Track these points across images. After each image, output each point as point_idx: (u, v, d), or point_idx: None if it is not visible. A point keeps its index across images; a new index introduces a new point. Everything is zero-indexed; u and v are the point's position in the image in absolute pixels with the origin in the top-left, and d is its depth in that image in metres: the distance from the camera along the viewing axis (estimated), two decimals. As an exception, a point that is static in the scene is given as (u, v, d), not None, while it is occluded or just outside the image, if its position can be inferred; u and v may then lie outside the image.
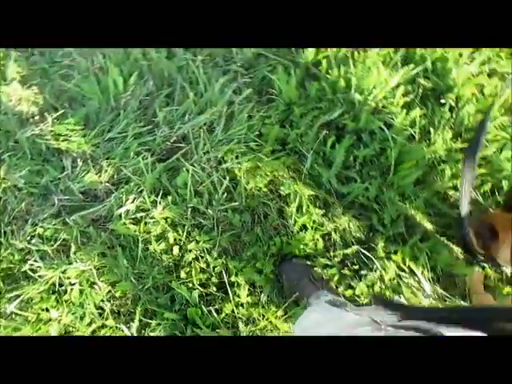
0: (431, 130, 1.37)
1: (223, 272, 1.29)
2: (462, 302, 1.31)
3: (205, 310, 1.24)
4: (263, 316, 1.24)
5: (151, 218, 1.33)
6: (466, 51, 1.38)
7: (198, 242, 1.33)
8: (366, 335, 0.72)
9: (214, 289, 1.29)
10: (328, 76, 1.39)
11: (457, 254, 1.33)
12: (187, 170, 1.35)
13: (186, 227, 1.34)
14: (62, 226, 1.36)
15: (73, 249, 1.31)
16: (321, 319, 0.97)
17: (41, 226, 1.33)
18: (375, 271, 1.31)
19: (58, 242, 1.34)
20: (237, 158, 1.36)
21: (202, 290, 1.26)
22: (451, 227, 1.35)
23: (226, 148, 1.37)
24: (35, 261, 1.28)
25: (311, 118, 1.36)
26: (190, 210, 1.35)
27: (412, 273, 1.32)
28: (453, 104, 1.37)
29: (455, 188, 1.35)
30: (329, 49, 1.39)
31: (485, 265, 1.26)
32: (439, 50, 1.36)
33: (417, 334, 0.59)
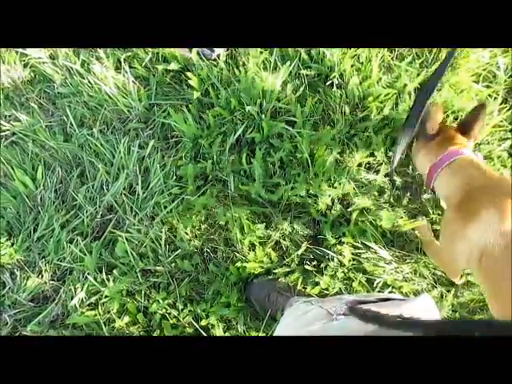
0: (330, 112, 1.49)
1: (193, 320, 1.34)
2: (420, 255, 1.42)
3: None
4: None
5: (105, 297, 1.37)
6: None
7: (159, 301, 1.37)
8: (320, 334, 0.78)
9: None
10: (219, 100, 1.49)
11: (398, 212, 1.44)
12: (124, 238, 1.40)
13: (142, 292, 1.38)
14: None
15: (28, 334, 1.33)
16: (290, 321, 1.02)
17: None
18: (332, 260, 1.40)
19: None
20: (165, 207, 1.43)
21: (177, 345, 1.30)
22: (383, 192, 1.46)
23: (152, 202, 1.43)
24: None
25: (219, 143, 1.45)
26: (140, 274, 1.40)
27: (366, 247, 1.42)
28: (339, 82, 1.50)
29: (372, 154, 1.47)
30: (211, 76, 1.50)
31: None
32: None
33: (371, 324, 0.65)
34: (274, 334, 1.14)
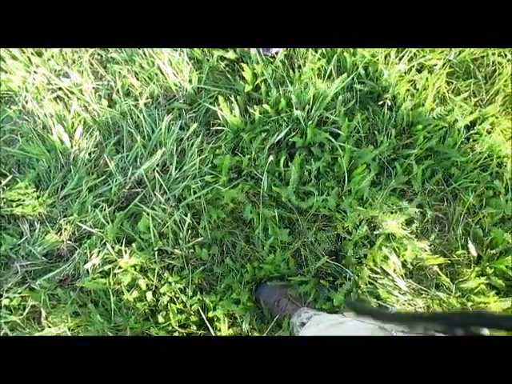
0: (375, 131, 1.50)
1: (200, 309, 1.35)
2: (437, 292, 1.42)
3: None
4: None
5: (119, 268, 1.39)
6: (393, 51, 1.52)
7: (170, 283, 1.39)
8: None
9: (194, 328, 1.35)
10: (269, 98, 1.50)
11: (423, 246, 1.45)
12: (148, 214, 1.42)
13: (156, 271, 1.40)
14: (28, 292, 1.40)
15: (43, 314, 1.36)
16: (323, 328, 1.02)
17: (6, 297, 1.37)
18: (349, 279, 1.41)
19: (27, 310, 1.38)
20: (195, 193, 1.45)
21: (181, 330, 1.32)
22: (413, 222, 1.47)
23: (183, 185, 1.45)
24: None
25: (260, 141, 1.46)
26: (157, 253, 1.42)
27: (385, 273, 1.42)
28: (390, 103, 1.50)
29: (408, 182, 1.48)
30: (265, 72, 1.51)
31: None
32: (368, 56, 1.50)
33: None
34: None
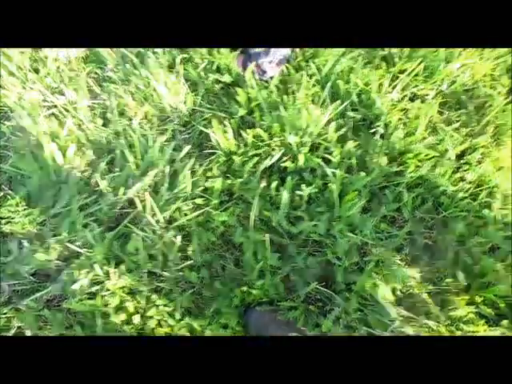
0: (367, 159, 1.51)
1: (188, 334, 1.35)
2: (426, 321, 1.42)
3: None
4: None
5: (107, 290, 1.39)
6: (386, 80, 1.55)
7: (158, 306, 1.38)
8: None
9: (181, 352, 1.34)
10: (262, 122, 1.52)
11: (412, 273, 1.45)
12: (137, 235, 1.42)
13: (144, 293, 1.40)
14: (14, 313, 1.39)
15: (29, 335, 1.34)
16: None
17: (-8, 318, 1.36)
18: (338, 306, 1.41)
19: (13, 331, 1.36)
20: (186, 215, 1.45)
21: (168, 355, 1.31)
22: (402, 249, 1.48)
23: (174, 207, 1.45)
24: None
25: (252, 165, 1.47)
26: (145, 275, 1.41)
27: (374, 300, 1.43)
28: (383, 131, 1.52)
29: (398, 209, 1.49)
30: (260, 96, 1.53)
31: None
32: (361, 84, 1.52)
33: None
34: None
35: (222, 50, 1.56)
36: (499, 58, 1.57)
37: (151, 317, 1.37)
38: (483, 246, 1.44)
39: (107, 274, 1.39)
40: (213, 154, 1.51)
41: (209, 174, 1.49)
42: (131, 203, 1.50)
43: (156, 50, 1.57)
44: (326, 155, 1.48)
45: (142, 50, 1.58)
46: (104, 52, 1.60)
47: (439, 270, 1.47)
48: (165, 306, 1.38)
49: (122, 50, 1.58)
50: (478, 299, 1.39)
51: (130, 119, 1.57)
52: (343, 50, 1.57)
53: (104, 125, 1.58)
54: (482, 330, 1.39)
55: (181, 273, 1.41)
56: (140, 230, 1.43)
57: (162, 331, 1.35)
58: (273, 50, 1.55)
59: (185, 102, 1.56)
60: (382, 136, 1.52)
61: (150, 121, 1.58)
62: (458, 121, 1.55)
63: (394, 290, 1.43)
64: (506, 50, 1.58)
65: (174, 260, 1.42)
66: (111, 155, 1.55)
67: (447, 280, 1.44)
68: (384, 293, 1.41)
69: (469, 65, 1.55)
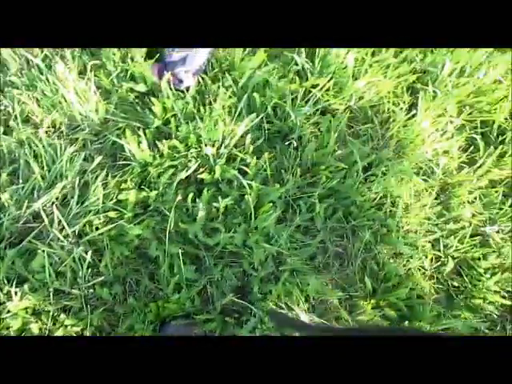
0: (282, 170, 1.56)
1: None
2: (337, 325, 1.50)
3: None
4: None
5: (8, 311, 1.29)
6: (300, 94, 1.61)
7: (66, 326, 1.32)
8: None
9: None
10: (178, 133, 1.51)
11: (324, 280, 1.52)
12: (43, 251, 1.34)
13: (50, 313, 1.32)
14: None
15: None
16: None
17: None
18: (254, 316, 1.44)
19: None
20: (97, 229, 1.40)
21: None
22: (315, 257, 1.55)
23: (84, 221, 1.39)
24: None
25: (168, 176, 1.46)
26: (52, 293, 1.33)
27: (289, 308, 1.47)
28: (296, 144, 1.58)
29: (311, 219, 1.56)
30: (176, 107, 1.51)
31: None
32: (275, 98, 1.57)
33: None
34: None
35: (137, 57, 1.53)
36: (400, 76, 1.70)
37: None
38: (387, 253, 1.54)
39: (8, 294, 1.30)
40: (127, 165, 1.47)
41: (123, 185, 1.45)
42: (37, 217, 1.41)
43: (65, 54, 1.50)
44: (243, 167, 1.50)
45: (48, 53, 1.49)
46: (5, 54, 1.49)
47: (349, 276, 1.55)
48: (73, 325, 1.31)
49: (26, 53, 1.48)
50: (383, 303, 1.49)
51: (36, 127, 1.47)
52: (259, 62, 1.61)
53: (6, 133, 1.47)
54: (388, 330, 1.50)
55: (91, 290, 1.36)
56: (46, 246, 1.35)
57: (69, 353, 1.28)
58: (189, 58, 1.54)
59: (96, 111, 1.50)
60: (296, 148, 1.58)
61: (58, 129, 1.50)
62: (365, 134, 1.66)
63: (307, 298, 1.49)
64: (406, 69, 1.72)
65: (83, 277, 1.35)
66: (14, 166, 1.44)
67: (356, 286, 1.53)
68: (298, 300, 1.47)
69: (374, 82, 1.66)
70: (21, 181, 1.43)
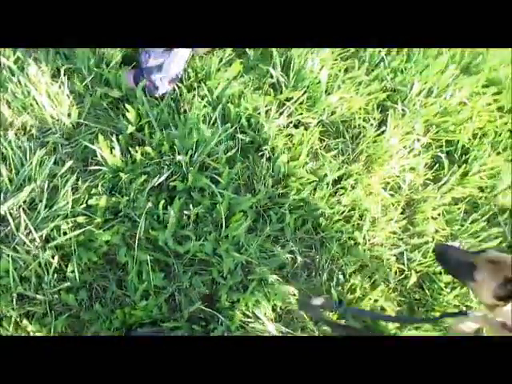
0: (254, 180, 1.59)
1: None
2: (301, 334, 1.53)
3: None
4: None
5: (-32, 316, 1.26)
6: (274, 106, 1.65)
7: (28, 332, 1.30)
8: None
9: None
10: (152, 140, 1.52)
11: (292, 291, 1.56)
12: (8, 256, 1.32)
13: (12, 319, 1.30)
14: None
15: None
16: None
17: None
18: (221, 324, 1.45)
19: None
20: (65, 234, 1.38)
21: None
22: (284, 267, 1.58)
23: (52, 225, 1.38)
24: None
25: (140, 183, 1.46)
26: (15, 298, 1.32)
27: (256, 317, 1.50)
28: (269, 155, 1.62)
29: (281, 230, 1.59)
30: (150, 114, 1.53)
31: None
32: (250, 108, 1.60)
33: None
34: None
35: (113, 63, 1.53)
36: (371, 94, 1.77)
37: (20, 345, 1.27)
38: (353, 265, 1.59)
39: (-31, 299, 1.27)
40: (98, 170, 1.47)
41: (93, 190, 1.44)
42: (3, 221, 1.39)
43: (38, 57, 1.49)
44: (215, 175, 1.52)
45: (20, 55, 1.48)
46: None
47: (316, 286, 1.59)
48: (36, 331, 1.29)
49: (-2, 53, 1.47)
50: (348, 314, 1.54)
51: (6, 129, 1.46)
52: (235, 74, 1.64)
53: (-27, 133, 1.44)
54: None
55: (57, 296, 1.34)
56: (11, 250, 1.33)
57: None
58: (166, 66, 1.56)
59: (69, 115, 1.49)
60: (268, 159, 1.61)
61: (28, 132, 1.48)
62: (335, 148, 1.71)
63: (274, 307, 1.52)
64: (377, 87, 1.78)
65: (49, 282, 1.34)
66: (-20, 167, 1.42)
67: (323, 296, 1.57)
68: (265, 310, 1.49)
69: (346, 98, 1.72)
70: (-13, 182, 1.40)
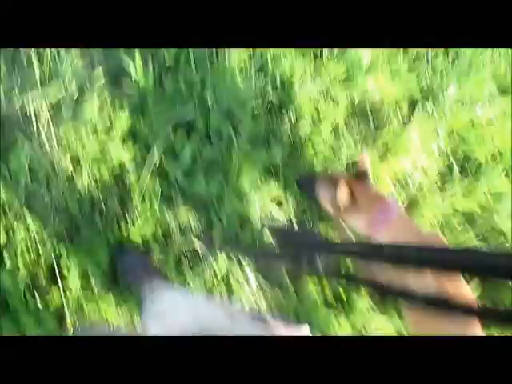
0: (272, 140, 1.62)
1: (53, 257, 1.34)
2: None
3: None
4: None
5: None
6: (310, 74, 1.66)
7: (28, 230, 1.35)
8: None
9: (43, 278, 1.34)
10: (185, 75, 1.53)
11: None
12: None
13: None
14: None
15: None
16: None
17: None
18: (208, 264, 1.51)
19: None
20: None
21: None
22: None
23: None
24: None
25: (165, 113, 1.49)
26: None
27: (239, 263, 1.55)
28: (292, 119, 1.64)
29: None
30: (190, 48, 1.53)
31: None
32: (287, 69, 1.61)
33: None
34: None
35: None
36: (407, 87, 1.77)
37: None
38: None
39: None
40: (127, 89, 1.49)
41: (118, 108, 1.47)
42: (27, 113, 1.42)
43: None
44: (238, 125, 1.55)
45: None
46: None
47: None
48: (34, 224, 1.35)
49: None
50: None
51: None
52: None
53: None
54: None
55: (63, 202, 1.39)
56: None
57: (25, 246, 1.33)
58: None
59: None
60: (290, 122, 1.63)
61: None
62: (359, 133, 1.73)
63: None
64: (414, 82, 1.78)
65: (57, 184, 1.39)
66: None
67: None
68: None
69: (382, 86, 1.72)
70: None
